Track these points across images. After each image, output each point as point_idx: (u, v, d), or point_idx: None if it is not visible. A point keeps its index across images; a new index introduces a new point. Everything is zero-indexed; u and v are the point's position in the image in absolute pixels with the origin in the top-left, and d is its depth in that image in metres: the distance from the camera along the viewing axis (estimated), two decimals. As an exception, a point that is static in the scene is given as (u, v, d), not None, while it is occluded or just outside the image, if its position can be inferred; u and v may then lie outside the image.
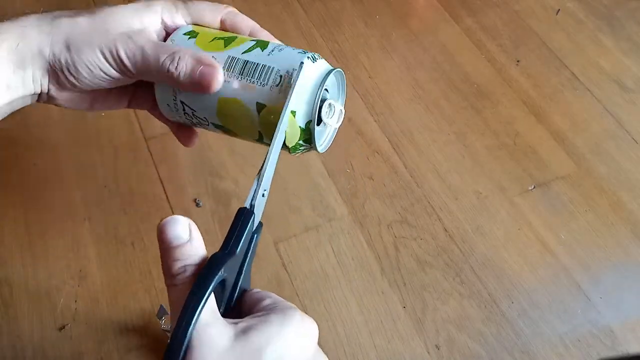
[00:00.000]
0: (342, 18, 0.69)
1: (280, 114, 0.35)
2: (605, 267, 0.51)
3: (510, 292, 0.49)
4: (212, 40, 0.39)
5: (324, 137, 0.39)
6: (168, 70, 0.36)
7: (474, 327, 0.47)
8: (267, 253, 0.51)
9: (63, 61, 0.37)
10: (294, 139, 0.37)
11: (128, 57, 0.37)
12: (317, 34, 0.67)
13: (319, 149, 0.38)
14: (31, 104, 0.41)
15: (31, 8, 0.69)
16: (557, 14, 0.69)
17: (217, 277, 0.27)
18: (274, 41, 0.41)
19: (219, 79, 0.36)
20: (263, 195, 0.34)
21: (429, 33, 0.68)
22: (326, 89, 0.38)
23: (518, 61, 0.65)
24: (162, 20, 0.39)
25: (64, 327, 0.47)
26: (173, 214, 0.53)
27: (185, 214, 0.53)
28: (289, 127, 0.36)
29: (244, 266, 0.32)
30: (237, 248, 0.31)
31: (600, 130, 0.59)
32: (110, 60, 0.37)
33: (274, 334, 0.29)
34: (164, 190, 0.55)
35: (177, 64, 0.36)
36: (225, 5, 0.41)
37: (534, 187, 0.55)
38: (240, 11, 0.72)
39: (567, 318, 0.48)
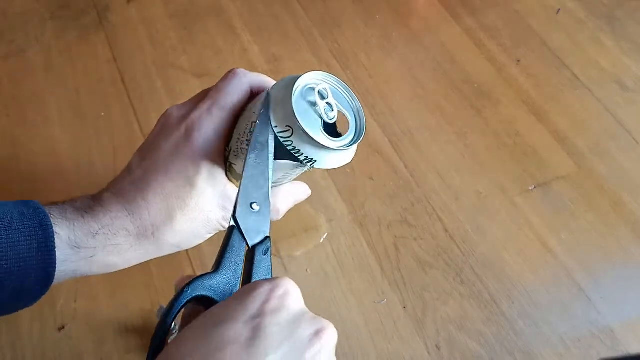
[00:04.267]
0: (342, 18, 0.69)
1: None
2: (605, 267, 0.51)
3: (510, 292, 0.49)
4: None
5: (353, 125, 0.38)
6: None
7: (475, 327, 0.47)
8: (267, 253, 0.51)
9: (172, 251, 0.40)
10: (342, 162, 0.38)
11: None
12: (317, 34, 0.67)
13: (359, 138, 0.37)
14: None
15: (31, 7, 0.69)
16: (557, 13, 0.69)
17: (182, 297, 0.31)
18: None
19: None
20: (252, 208, 0.34)
21: (430, 33, 0.68)
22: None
23: (518, 61, 0.65)
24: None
25: (63, 327, 0.47)
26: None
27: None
28: (333, 164, 0.37)
29: (237, 282, 0.32)
30: (218, 267, 0.32)
31: (600, 130, 0.59)
32: (214, 233, 0.41)
33: (222, 303, 0.30)
34: (164, 190, 0.54)
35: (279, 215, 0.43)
36: (234, 72, 0.40)
37: (535, 187, 0.55)
38: (240, 12, 0.73)
39: (567, 318, 0.48)
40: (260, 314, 0.28)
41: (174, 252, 0.40)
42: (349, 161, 0.38)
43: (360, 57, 0.65)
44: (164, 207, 0.37)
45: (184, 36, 0.67)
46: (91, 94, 0.62)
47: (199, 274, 0.36)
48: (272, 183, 0.38)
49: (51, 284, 0.35)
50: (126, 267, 0.39)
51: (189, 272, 0.49)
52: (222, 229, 0.41)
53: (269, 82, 0.41)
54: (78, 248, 0.35)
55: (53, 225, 0.34)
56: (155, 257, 0.40)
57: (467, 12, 0.69)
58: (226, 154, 0.40)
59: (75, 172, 0.56)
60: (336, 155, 0.37)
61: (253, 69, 0.43)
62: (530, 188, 0.55)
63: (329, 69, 0.64)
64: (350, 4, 0.70)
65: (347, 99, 0.39)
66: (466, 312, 0.48)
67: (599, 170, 0.56)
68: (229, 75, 0.40)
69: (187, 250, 0.50)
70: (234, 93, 0.39)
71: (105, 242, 0.36)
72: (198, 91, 0.43)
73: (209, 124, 0.38)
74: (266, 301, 0.28)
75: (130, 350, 0.46)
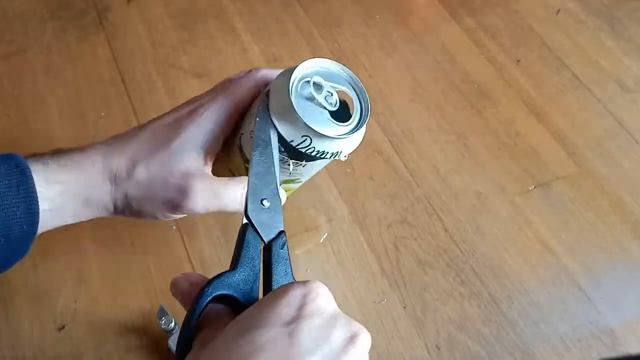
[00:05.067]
0: (342, 18, 0.69)
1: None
2: (605, 267, 0.51)
3: (510, 292, 0.49)
4: None
5: (359, 110, 0.38)
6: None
7: (475, 327, 0.47)
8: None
9: (127, 214, 0.41)
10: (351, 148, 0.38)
11: (199, 209, 0.40)
12: (317, 34, 0.67)
13: (368, 112, 0.37)
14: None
15: (31, 7, 0.69)
16: (557, 13, 0.69)
17: (202, 298, 0.30)
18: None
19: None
20: (263, 205, 0.34)
21: (430, 33, 0.68)
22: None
23: (518, 61, 0.65)
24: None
25: (63, 327, 0.47)
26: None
27: (185, 214, 0.53)
28: (355, 144, 0.38)
29: (256, 278, 0.32)
30: (236, 265, 0.32)
31: (600, 130, 0.59)
32: (179, 213, 0.40)
33: (252, 308, 0.29)
34: (164, 190, 0.54)
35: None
36: (251, 70, 0.42)
37: (535, 187, 0.55)
38: (240, 12, 0.73)
39: (567, 318, 0.48)
40: (294, 319, 0.27)
41: (131, 215, 0.41)
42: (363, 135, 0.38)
43: (360, 57, 0.65)
44: (135, 158, 0.39)
45: (184, 36, 0.67)
46: (91, 94, 0.62)
47: (198, 273, 0.36)
48: (291, 180, 0.38)
49: (37, 221, 0.36)
50: (104, 214, 0.40)
51: (188, 271, 0.49)
52: (181, 214, 0.41)
53: None
54: (50, 182, 0.37)
55: (29, 165, 0.37)
56: (117, 212, 0.40)
57: (467, 12, 0.69)
58: (236, 144, 0.41)
59: (75, 172, 0.56)
60: (356, 136, 0.37)
61: (253, 69, 0.43)
62: (530, 188, 0.55)
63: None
64: (350, 4, 0.70)
65: (341, 76, 0.38)
66: (466, 312, 0.48)
67: (599, 170, 0.56)
68: (247, 71, 0.42)
69: (187, 251, 0.50)
70: (243, 85, 0.41)
71: (76, 175, 0.38)
72: (198, 91, 0.43)
73: (211, 109, 0.40)
74: (300, 306, 0.28)
75: (130, 350, 0.46)
